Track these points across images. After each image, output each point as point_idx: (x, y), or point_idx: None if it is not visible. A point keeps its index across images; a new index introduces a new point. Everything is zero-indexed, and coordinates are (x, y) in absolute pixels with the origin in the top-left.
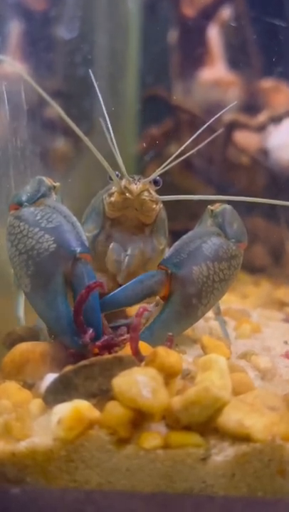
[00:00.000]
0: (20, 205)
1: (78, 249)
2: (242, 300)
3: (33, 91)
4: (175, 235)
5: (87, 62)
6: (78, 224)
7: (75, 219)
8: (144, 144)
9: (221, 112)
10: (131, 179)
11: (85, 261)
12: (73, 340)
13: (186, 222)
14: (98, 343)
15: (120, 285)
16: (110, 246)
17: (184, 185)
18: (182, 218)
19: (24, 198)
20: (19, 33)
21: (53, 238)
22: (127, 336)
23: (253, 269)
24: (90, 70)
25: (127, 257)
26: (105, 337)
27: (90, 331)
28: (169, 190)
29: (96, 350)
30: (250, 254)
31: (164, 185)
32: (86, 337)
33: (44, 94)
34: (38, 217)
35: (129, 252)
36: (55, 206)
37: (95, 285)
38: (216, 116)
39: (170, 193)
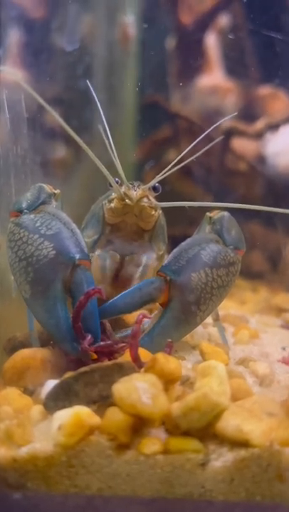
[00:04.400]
0: (20, 212)
1: (77, 256)
2: (240, 306)
3: (34, 99)
4: (174, 241)
5: (86, 73)
6: (78, 231)
7: (74, 226)
8: (143, 151)
9: (221, 121)
10: (130, 186)
11: (84, 267)
12: (73, 347)
13: (185, 228)
14: (92, 347)
15: (120, 290)
16: (96, 253)
17: (182, 191)
18: (181, 224)
19: (24, 205)
20: (18, 41)
21: (52, 245)
22: (126, 342)
23: (251, 275)
24: (87, 81)
25: (141, 268)
26: (101, 343)
27: (89, 337)
28: (168, 197)
29: (94, 356)
30: (248, 260)
31: (163, 192)
32: (84, 343)
33: (43, 103)
34: (37, 224)
35: (144, 261)
36: (54, 213)
37: (94, 291)
38: (216, 125)
39: (169, 200)
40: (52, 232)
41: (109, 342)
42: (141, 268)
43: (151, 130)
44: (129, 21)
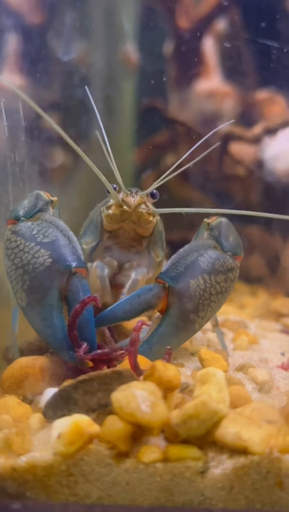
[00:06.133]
0: (17, 219)
1: (74, 264)
2: (239, 311)
3: (31, 106)
4: (173, 246)
5: (84, 80)
6: (74, 238)
7: (71, 233)
8: (141, 156)
9: (218, 128)
10: (128, 192)
11: (81, 275)
12: (70, 355)
13: (184, 232)
14: (90, 355)
15: (118, 298)
16: (94, 264)
17: (181, 196)
18: (180, 229)
19: (21, 212)
20: (16, 47)
21: (48, 253)
22: (125, 349)
23: (250, 279)
24: (86, 87)
25: (131, 280)
26: (99, 351)
27: (84, 345)
28: (167, 202)
29: (90, 364)
30: (247, 264)
31: (162, 197)
32: (80, 351)
33: (41, 112)
34: (34, 232)
35: (133, 276)
36: (51, 221)
37: (89, 299)
38: (213, 132)
39: (168, 205)
40: (48, 240)
41: (106, 350)
42: (134, 274)
43: (149, 136)
44: (131, 48)
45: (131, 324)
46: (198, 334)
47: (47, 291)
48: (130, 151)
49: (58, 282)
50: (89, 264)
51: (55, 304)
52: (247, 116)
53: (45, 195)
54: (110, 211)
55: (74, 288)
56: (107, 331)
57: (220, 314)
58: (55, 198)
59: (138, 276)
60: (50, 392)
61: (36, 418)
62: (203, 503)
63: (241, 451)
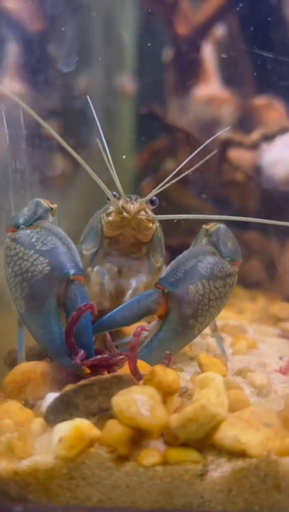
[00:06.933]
0: (17, 227)
1: (72, 271)
2: (238, 315)
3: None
4: (172, 251)
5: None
6: (73, 246)
7: (70, 240)
8: (141, 162)
9: (216, 135)
10: (128, 199)
11: (79, 283)
12: (68, 361)
13: (183, 238)
14: (86, 361)
15: (118, 302)
16: (95, 269)
17: (180, 202)
18: (179, 235)
19: (21, 220)
20: (17, 54)
21: (47, 260)
22: (125, 354)
23: (248, 284)
24: (87, 96)
25: (130, 290)
26: (98, 356)
27: (81, 352)
28: (166, 208)
29: (87, 371)
30: (246, 269)
31: (161, 203)
32: (77, 358)
33: (42, 122)
34: (33, 240)
35: (134, 285)
36: (50, 228)
37: (86, 307)
38: (211, 139)
39: (167, 210)
40: (47, 248)
41: (105, 355)
42: (135, 283)
43: (148, 142)
44: (127, 79)
45: (131, 329)
46: (198, 339)
47: (45, 299)
48: (130, 157)
49: (56, 290)
50: (89, 269)
51: (54, 312)
52: (245, 122)
53: (44, 203)
54: (110, 218)
55: (72, 295)
56: (108, 336)
57: (219, 319)
58: (54, 206)
59: (138, 284)
60: (52, 396)
61: (38, 422)
62: (202, 505)
63: (240, 454)
